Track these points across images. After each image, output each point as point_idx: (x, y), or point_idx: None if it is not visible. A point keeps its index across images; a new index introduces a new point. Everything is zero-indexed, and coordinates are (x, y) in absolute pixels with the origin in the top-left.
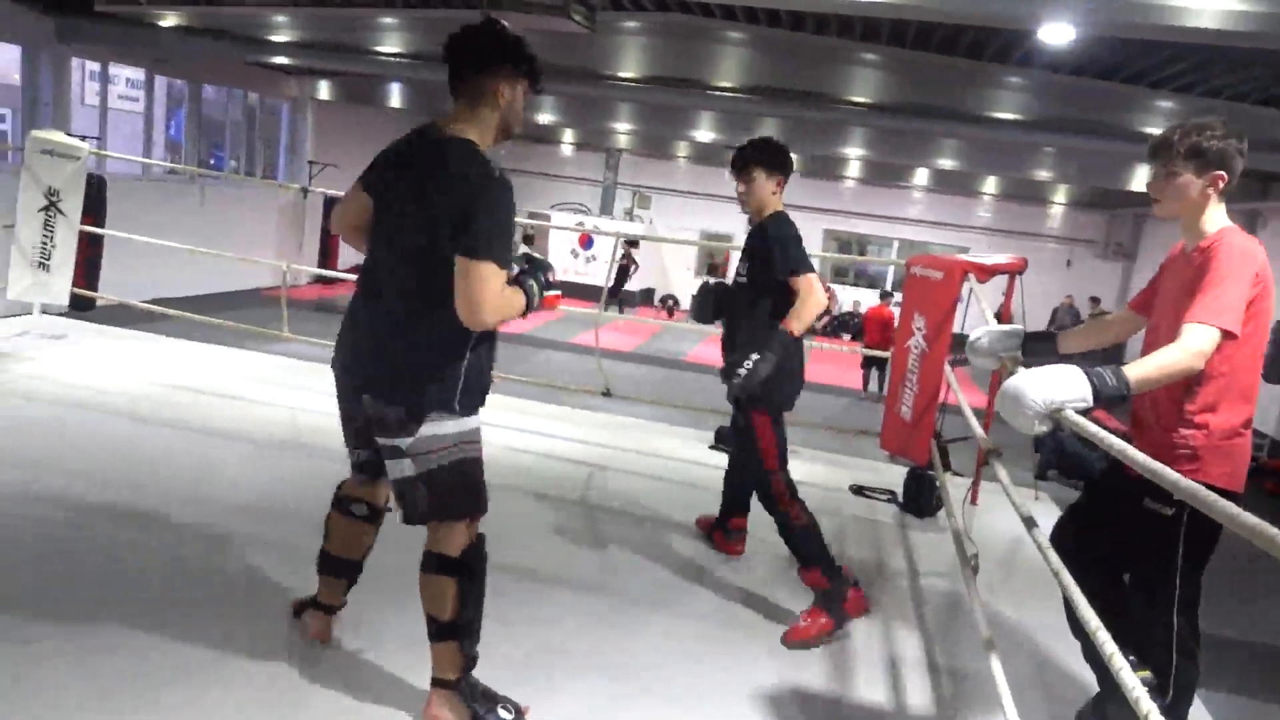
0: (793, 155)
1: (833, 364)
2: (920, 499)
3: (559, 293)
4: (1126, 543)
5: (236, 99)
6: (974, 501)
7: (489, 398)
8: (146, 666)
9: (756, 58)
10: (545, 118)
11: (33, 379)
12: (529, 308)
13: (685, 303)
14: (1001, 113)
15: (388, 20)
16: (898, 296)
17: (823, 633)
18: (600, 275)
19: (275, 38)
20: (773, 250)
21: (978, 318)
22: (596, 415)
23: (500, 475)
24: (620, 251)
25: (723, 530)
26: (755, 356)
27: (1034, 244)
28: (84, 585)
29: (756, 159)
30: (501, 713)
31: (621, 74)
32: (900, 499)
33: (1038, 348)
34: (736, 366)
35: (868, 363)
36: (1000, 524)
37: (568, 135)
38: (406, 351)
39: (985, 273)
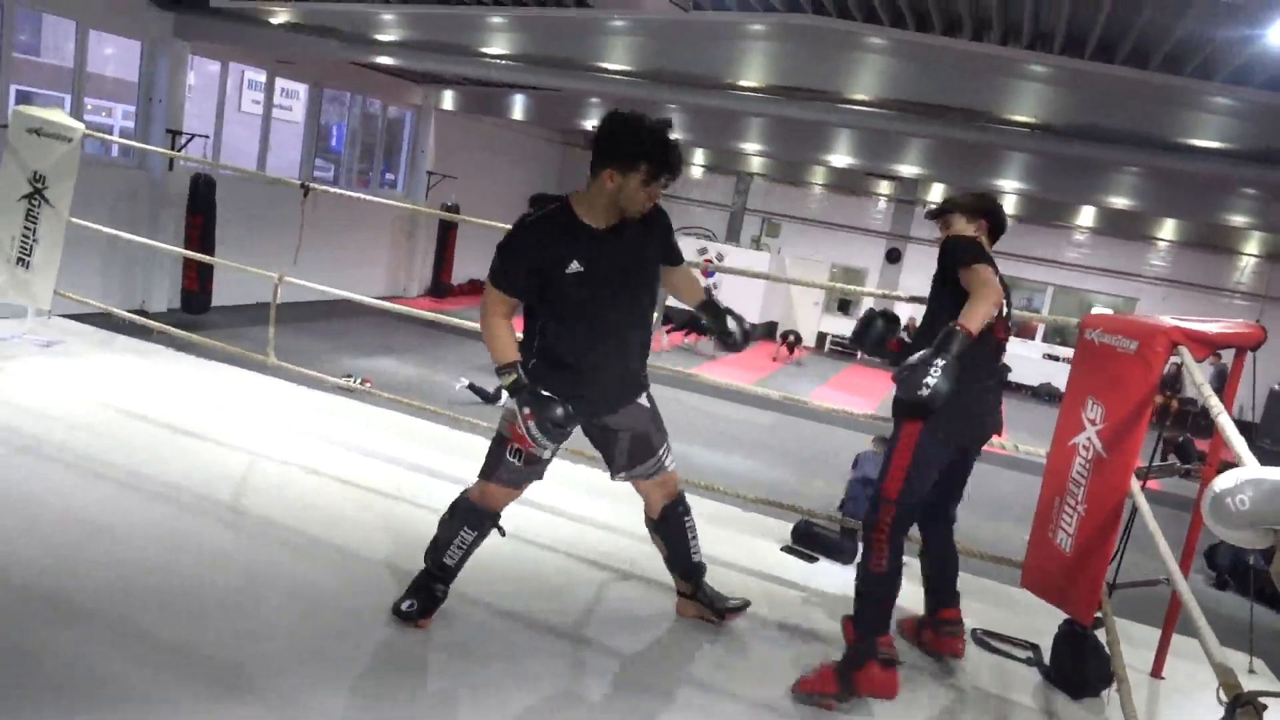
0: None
1: None
2: (1079, 670)
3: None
4: None
5: (374, 110)
6: (1157, 674)
7: None
8: None
9: (898, 66)
10: (673, 136)
11: None
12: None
13: (810, 340)
14: (1199, 140)
15: (495, 20)
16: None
17: (825, 693)
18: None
19: (382, 36)
20: (944, 252)
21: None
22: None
23: None
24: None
25: (933, 626)
26: (925, 351)
27: (1217, 300)
28: None
29: (955, 206)
30: (404, 605)
31: (744, 83)
32: (1046, 662)
33: None
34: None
35: None
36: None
37: (698, 156)
38: None
39: (1205, 345)
